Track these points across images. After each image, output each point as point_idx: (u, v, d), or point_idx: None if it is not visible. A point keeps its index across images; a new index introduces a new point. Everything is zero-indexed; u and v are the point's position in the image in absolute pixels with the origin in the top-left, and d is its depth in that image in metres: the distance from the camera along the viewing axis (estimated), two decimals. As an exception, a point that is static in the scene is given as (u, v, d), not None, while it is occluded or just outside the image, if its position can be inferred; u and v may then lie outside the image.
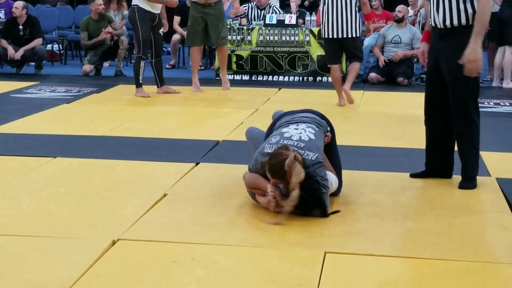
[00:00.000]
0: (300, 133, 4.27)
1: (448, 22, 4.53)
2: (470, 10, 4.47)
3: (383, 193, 4.58)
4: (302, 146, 4.14)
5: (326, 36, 7.91)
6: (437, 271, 3.32)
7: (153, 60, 8.63)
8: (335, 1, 7.74)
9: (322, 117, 4.55)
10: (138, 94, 8.50)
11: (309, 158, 4.08)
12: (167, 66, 11.76)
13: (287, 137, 4.23)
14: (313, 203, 4.00)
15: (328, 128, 4.52)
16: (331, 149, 4.48)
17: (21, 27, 10.92)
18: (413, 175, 4.92)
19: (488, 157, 5.53)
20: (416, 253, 3.55)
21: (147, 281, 3.16)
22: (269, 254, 3.55)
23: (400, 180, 4.90)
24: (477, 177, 4.72)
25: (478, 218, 4.14)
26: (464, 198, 4.50)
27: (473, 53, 4.33)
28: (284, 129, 4.33)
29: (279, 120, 4.53)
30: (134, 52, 9.16)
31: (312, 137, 4.25)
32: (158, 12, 8.46)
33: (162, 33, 8.61)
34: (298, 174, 3.90)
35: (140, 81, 8.52)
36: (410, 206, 4.36)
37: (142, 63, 8.44)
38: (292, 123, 4.38)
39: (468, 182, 4.69)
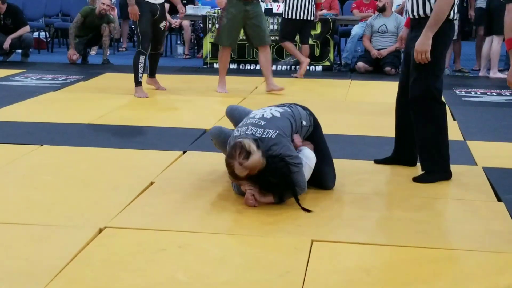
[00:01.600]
0: (264, 111, 4.28)
1: (415, 13, 4.56)
2: (433, 1, 4.48)
3: (369, 181, 4.59)
4: (262, 124, 4.13)
5: (293, 17, 9.27)
6: (423, 259, 3.34)
7: (151, 52, 7.98)
8: None
9: (305, 109, 4.53)
10: (137, 95, 7.74)
11: (269, 136, 4.06)
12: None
13: (251, 117, 4.25)
14: (280, 183, 3.94)
15: (310, 122, 4.46)
16: (318, 142, 4.45)
17: (1, 16, 10.82)
18: (377, 161, 5.01)
19: (474, 146, 5.56)
20: (402, 241, 3.56)
21: (134, 269, 3.16)
22: (256, 242, 3.55)
23: (387, 168, 4.91)
24: (464, 166, 4.73)
25: (464, 207, 4.15)
26: (451, 187, 4.52)
27: (421, 44, 4.40)
28: (251, 113, 4.37)
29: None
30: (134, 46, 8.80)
31: (277, 115, 4.22)
32: (160, 2, 7.79)
33: (163, 28, 7.97)
34: (248, 190, 3.95)
35: (140, 79, 7.78)
36: (396, 195, 4.37)
37: (142, 58, 7.71)
38: (258, 110, 4.40)
39: (424, 175, 4.62)
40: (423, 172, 4.63)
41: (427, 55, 4.40)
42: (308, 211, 3.93)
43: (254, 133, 4.08)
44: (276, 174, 3.91)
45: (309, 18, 9.43)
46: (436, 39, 4.42)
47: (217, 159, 4.95)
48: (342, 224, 3.83)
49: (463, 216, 4.00)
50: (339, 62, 11.05)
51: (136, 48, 7.86)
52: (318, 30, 10.30)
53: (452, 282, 3.11)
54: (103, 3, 10.46)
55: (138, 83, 7.78)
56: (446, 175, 4.62)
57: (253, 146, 3.90)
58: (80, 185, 4.44)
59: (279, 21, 10.21)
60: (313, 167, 4.21)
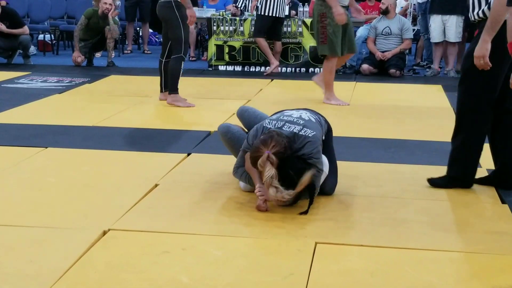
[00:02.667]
0: (300, 113, 4.29)
1: (473, 13, 4.34)
2: (483, 3, 4.26)
3: (374, 184, 4.59)
4: (301, 123, 4.14)
5: (269, 14, 9.90)
6: (427, 261, 3.33)
7: (164, 60, 7.53)
8: None
9: (320, 116, 4.49)
10: (180, 104, 7.32)
11: (306, 134, 4.06)
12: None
13: (287, 115, 4.24)
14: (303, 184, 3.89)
15: (327, 128, 4.46)
16: (328, 147, 4.44)
17: None
18: (478, 180, 4.62)
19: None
20: (406, 243, 3.55)
21: (137, 271, 3.16)
22: (260, 244, 3.55)
23: (391, 171, 4.91)
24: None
25: (468, 209, 4.15)
26: (455, 189, 4.50)
27: (478, 49, 4.08)
28: (284, 111, 4.36)
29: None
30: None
31: (312, 119, 4.24)
32: None
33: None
34: (268, 176, 3.84)
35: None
36: (401, 197, 4.37)
37: (183, 64, 7.34)
38: (291, 110, 4.39)
39: (441, 179, 4.54)
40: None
41: (486, 60, 4.06)
42: (305, 213, 3.94)
43: (292, 129, 4.10)
44: (300, 174, 3.89)
45: (281, 15, 10.09)
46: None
47: (221, 162, 4.96)
48: (346, 226, 3.82)
49: (467, 218, 4.00)
50: (343, 64, 11.03)
51: (175, 55, 7.28)
52: (323, 32, 10.27)
53: (456, 284, 3.10)
54: (106, 3, 10.48)
55: (176, 89, 7.40)
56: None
57: (288, 146, 3.93)
58: (84, 187, 4.45)
59: (283, 23, 10.24)
60: (327, 173, 4.22)
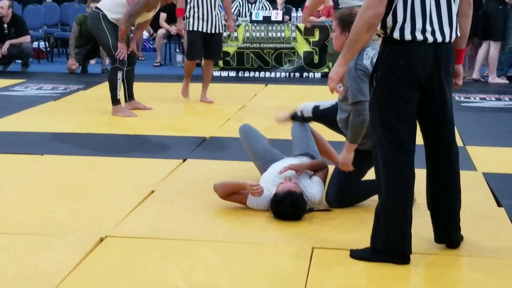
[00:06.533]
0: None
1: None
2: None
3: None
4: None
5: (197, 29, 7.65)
6: (424, 265, 3.34)
7: (125, 69, 7.09)
8: None
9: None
10: (120, 114, 7.07)
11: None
12: (155, 64, 11.74)
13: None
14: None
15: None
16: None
17: (5, 25, 10.87)
18: None
19: (474, 152, 5.56)
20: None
21: (135, 277, 3.17)
22: (256, 249, 3.56)
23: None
24: (463, 171, 4.71)
25: (465, 212, 4.13)
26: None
27: (332, 71, 3.36)
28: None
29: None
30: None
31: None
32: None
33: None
34: None
35: (118, 96, 7.11)
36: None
37: (119, 75, 7.01)
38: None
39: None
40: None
41: (333, 84, 3.33)
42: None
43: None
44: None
45: (215, 31, 7.75)
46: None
47: (217, 167, 4.96)
48: (342, 231, 3.83)
49: (463, 222, 3.98)
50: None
51: (111, 64, 7.09)
52: (317, 37, 10.31)
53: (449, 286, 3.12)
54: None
55: (116, 101, 7.13)
56: None
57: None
58: (80, 194, 4.45)
59: (277, 28, 10.27)
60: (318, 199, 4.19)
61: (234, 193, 4.12)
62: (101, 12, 6.96)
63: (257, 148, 4.57)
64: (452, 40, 3.32)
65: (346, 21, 3.98)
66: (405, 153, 3.31)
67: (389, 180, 3.32)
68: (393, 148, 3.29)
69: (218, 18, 7.69)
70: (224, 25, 7.92)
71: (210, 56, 7.92)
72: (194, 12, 7.61)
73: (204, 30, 7.64)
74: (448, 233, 3.52)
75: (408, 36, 3.21)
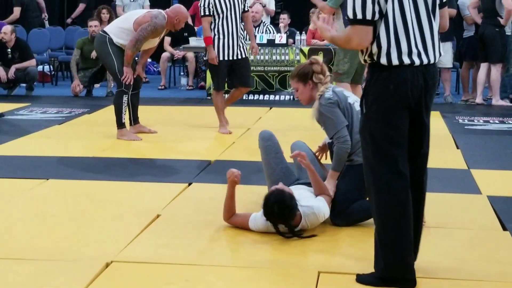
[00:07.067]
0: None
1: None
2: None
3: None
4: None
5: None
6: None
7: (131, 93, 7.17)
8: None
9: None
10: (125, 137, 7.07)
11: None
12: (159, 87, 11.77)
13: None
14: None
15: None
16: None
17: (9, 50, 10.91)
18: None
19: (478, 175, 5.56)
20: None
21: (141, 303, 3.17)
22: (262, 274, 3.56)
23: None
24: (467, 195, 4.70)
25: (469, 236, 4.16)
26: (455, 216, 4.52)
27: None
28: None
29: None
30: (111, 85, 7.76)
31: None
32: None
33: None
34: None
35: (123, 120, 7.13)
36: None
37: (125, 98, 7.07)
38: None
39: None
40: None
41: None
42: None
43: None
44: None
45: (241, 57, 7.60)
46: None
47: (222, 191, 4.95)
48: (349, 255, 3.82)
49: (468, 245, 4.00)
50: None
51: (117, 88, 7.16)
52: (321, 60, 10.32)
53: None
54: (91, 26, 10.61)
55: (122, 125, 7.14)
56: None
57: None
58: (86, 218, 4.46)
59: (281, 51, 10.30)
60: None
61: (236, 215, 4.17)
62: (107, 36, 7.02)
63: (276, 170, 4.56)
64: (437, 60, 3.37)
65: (303, 74, 4.39)
66: (400, 177, 3.30)
67: (383, 205, 3.31)
68: (386, 172, 3.29)
69: (242, 44, 7.61)
70: (246, 48, 7.81)
71: (246, 84, 7.81)
72: (218, 40, 7.44)
73: (230, 58, 7.50)
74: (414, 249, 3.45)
75: (395, 61, 3.25)
